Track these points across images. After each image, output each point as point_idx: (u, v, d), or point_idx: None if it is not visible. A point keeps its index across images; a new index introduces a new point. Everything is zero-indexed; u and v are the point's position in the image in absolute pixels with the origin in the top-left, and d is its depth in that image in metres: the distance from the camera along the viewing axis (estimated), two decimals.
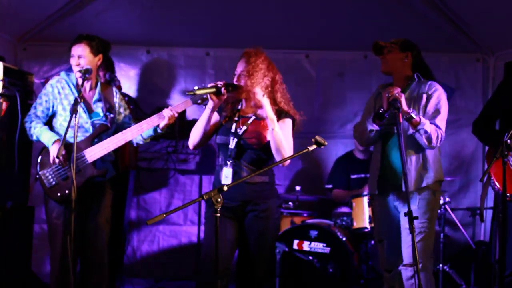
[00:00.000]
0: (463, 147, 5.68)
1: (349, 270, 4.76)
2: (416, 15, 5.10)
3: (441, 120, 3.55)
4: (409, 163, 3.54)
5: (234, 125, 3.41)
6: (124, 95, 4.99)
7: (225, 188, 2.66)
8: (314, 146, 2.92)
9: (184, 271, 5.68)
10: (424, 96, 3.59)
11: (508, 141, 3.18)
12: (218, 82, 3.35)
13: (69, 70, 3.93)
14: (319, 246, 4.83)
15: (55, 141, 3.70)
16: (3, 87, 4.08)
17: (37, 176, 3.78)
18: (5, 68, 4.11)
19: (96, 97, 3.86)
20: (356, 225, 4.98)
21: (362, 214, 4.95)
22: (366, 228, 4.91)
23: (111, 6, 5.06)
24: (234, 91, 3.39)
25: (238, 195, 3.33)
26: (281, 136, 3.32)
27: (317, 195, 5.65)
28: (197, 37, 5.52)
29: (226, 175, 3.34)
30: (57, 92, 3.81)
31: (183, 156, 5.78)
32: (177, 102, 4.00)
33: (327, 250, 4.81)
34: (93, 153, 3.71)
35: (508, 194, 3.54)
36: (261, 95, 3.32)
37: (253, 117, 3.42)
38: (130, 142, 3.84)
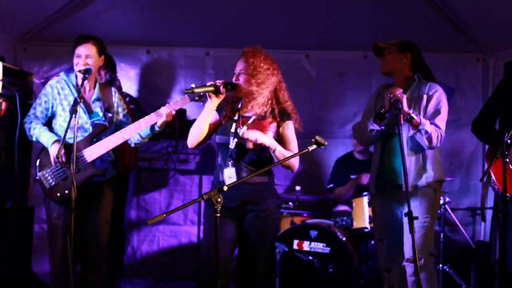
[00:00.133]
0: (463, 147, 5.68)
1: (349, 270, 4.76)
2: (416, 15, 5.10)
3: (441, 120, 3.56)
4: (409, 163, 3.54)
5: (234, 125, 3.40)
6: (126, 95, 5.00)
7: (225, 188, 2.66)
8: (314, 146, 2.92)
9: (184, 271, 5.68)
10: (425, 96, 3.60)
11: (508, 141, 3.18)
12: (217, 81, 3.35)
13: (69, 70, 3.93)
14: (319, 246, 4.83)
15: (54, 142, 3.70)
16: (3, 87, 4.09)
17: (37, 177, 3.78)
18: (5, 68, 4.12)
19: (94, 96, 3.86)
20: (356, 225, 4.98)
21: (362, 214, 4.95)
22: (366, 228, 4.91)
23: (111, 6, 5.06)
24: (233, 90, 3.39)
25: (237, 195, 3.33)
26: (284, 153, 3.32)
27: (317, 195, 5.65)
28: (197, 37, 5.52)
29: (230, 176, 3.33)
30: (56, 93, 3.81)
31: (183, 156, 5.78)
32: None
33: (327, 250, 4.81)
34: (92, 153, 3.71)
35: (508, 194, 3.54)
36: (254, 136, 3.28)
37: (253, 117, 3.42)
38: (129, 143, 3.84)
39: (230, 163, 3.34)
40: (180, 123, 5.18)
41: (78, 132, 3.66)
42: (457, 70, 5.71)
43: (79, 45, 3.76)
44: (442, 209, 5.05)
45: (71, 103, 3.66)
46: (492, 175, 3.71)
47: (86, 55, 3.74)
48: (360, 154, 5.59)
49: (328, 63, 5.78)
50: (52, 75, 5.22)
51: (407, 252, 3.52)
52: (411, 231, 3.10)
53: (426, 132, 3.45)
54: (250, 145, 3.33)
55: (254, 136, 3.27)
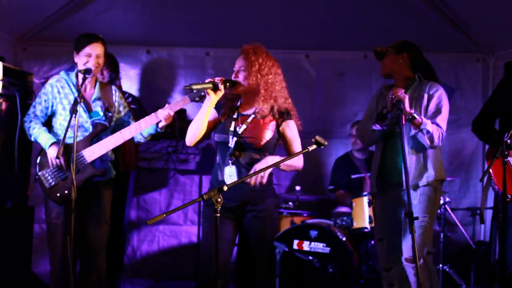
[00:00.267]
0: (463, 147, 5.68)
1: (349, 270, 4.76)
2: (416, 15, 5.10)
3: (442, 120, 3.57)
4: (410, 162, 3.54)
5: (233, 124, 3.39)
6: (129, 96, 4.99)
7: (225, 188, 2.65)
8: (314, 146, 2.91)
9: (184, 271, 5.68)
10: (425, 96, 3.61)
11: (508, 141, 3.18)
12: (216, 78, 3.34)
13: (69, 69, 3.92)
14: (319, 246, 4.82)
15: (52, 144, 3.69)
16: (3, 87, 4.08)
17: (36, 177, 3.78)
18: (5, 68, 4.11)
19: (95, 95, 3.85)
20: (356, 225, 4.98)
21: (362, 214, 4.95)
22: (366, 228, 4.91)
23: (111, 6, 5.06)
24: (232, 88, 3.38)
25: (237, 195, 3.32)
26: (286, 161, 3.28)
27: (317, 195, 5.65)
28: (197, 37, 5.52)
29: (231, 174, 3.32)
30: (56, 92, 3.80)
31: (183, 156, 5.78)
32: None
33: (327, 250, 4.81)
34: (92, 153, 3.71)
35: (508, 195, 3.54)
36: (258, 179, 3.25)
37: (253, 116, 3.40)
38: (132, 140, 3.83)
39: (230, 161, 3.33)
40: (180, 123, 5.17)
41: (78, 131, 3.65)
42: (457, 70, 5.71)
43: (89, 44, 3.72)
44: (442, 209, 5.05)
45: (71, 102, 3.66)
46: (492, 175, 3.71)
47: (97, 55, 3.72)
48: (359, 152, 5.60)
49: (328, 63, 5.78)
50: (52, 75, 5.20)
51: (405, 251, 3.53)
52: (411, 231, 3.10)
53: (428, 131, 3.46)
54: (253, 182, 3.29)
55: (258, 179, 3.24)
